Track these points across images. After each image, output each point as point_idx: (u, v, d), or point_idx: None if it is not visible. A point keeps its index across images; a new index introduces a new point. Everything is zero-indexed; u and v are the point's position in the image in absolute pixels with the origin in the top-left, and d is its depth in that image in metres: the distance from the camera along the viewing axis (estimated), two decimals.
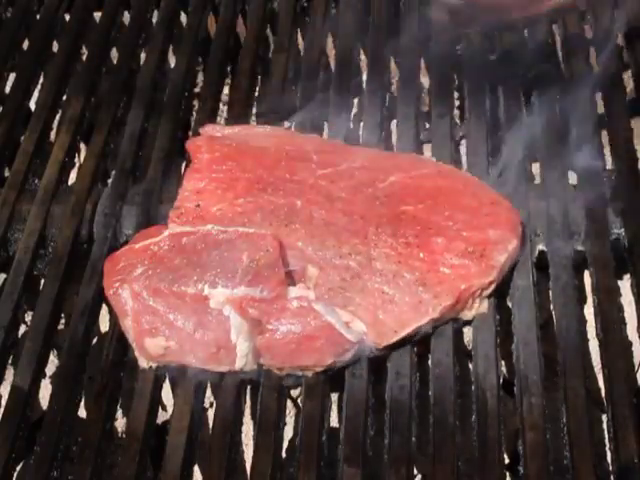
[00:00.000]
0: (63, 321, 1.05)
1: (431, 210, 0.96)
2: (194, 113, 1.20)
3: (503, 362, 0.96)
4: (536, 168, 1.09)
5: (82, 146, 1.22)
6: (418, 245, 0.93)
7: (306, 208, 0.96)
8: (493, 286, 0.93)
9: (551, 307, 0.95)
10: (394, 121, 1.14)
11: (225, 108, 1.26)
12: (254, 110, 1.20)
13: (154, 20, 1.30)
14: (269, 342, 0.90)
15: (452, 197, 0.97)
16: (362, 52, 1.28)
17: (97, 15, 1.31)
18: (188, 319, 0.90)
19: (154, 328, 0.90)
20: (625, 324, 0.96)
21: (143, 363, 0.93)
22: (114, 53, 1.27)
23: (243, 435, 1.02)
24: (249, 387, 0.95)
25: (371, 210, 0.96)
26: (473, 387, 0.90)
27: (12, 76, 1.25)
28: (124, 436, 0.94)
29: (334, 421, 1.00)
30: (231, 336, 0.89)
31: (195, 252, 0.92)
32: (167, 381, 0.97)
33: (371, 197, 0.97)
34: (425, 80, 1.23)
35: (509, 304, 0.96)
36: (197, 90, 1.25)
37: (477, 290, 0.92)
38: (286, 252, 0.93)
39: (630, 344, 0.95)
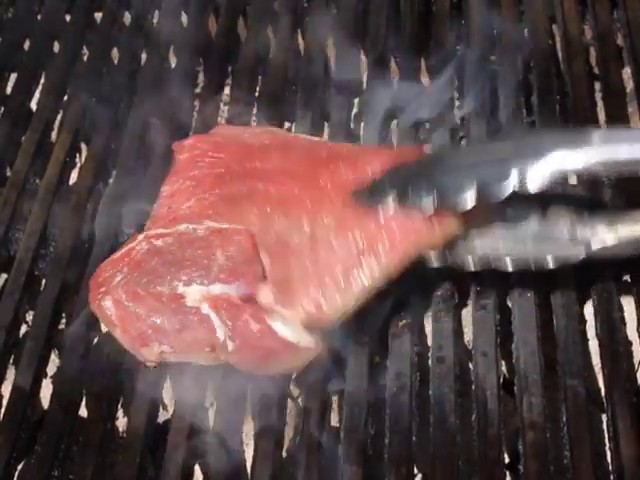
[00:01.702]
0: (64, 321, 1.05)
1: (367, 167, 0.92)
2: (194, 113, 1.20)
3: (503, 362, 0.96)
4: None
5: (83, 146, 1.22)
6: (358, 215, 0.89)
7: (266, 190, 0.93)
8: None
9: (552, 307, 0.95)
10: (394, 121, 1.14)
11: (225, 108, 1.26)
12: (254, 110, 1.20)
13: (154, 20, 1.30)
14: (236, 355, 0.88)
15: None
16: (362, 52, 1.28)
17: (98, 16, 1.31)
18: (170, 320, 0.88)
19: (142, 333, 0.89)
20: (625, 324, 0.96)
21: (148, 363, 0.93)
22: (115, 53, 1.27)
23: (243, 435, 1.02)
24: (249, 387, 0.95)
25: (316, 177, 0.92)
26: (473, 387, 0.90)
27: (13, 76, 1.25)
28: (125, 435, 0.94)
29: (334, 421, 1.00)
30: (217, 335, 0.88)
31: (170, 252, 0.90)
32: (167, 381, 0.97)
33: (320, 165, 0.94)
34: (425, 80, 1.23)
35: (509, 304, 0.96)
36: (197, 90, 1.25)
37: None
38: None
39: (630, 344, 0.95)
